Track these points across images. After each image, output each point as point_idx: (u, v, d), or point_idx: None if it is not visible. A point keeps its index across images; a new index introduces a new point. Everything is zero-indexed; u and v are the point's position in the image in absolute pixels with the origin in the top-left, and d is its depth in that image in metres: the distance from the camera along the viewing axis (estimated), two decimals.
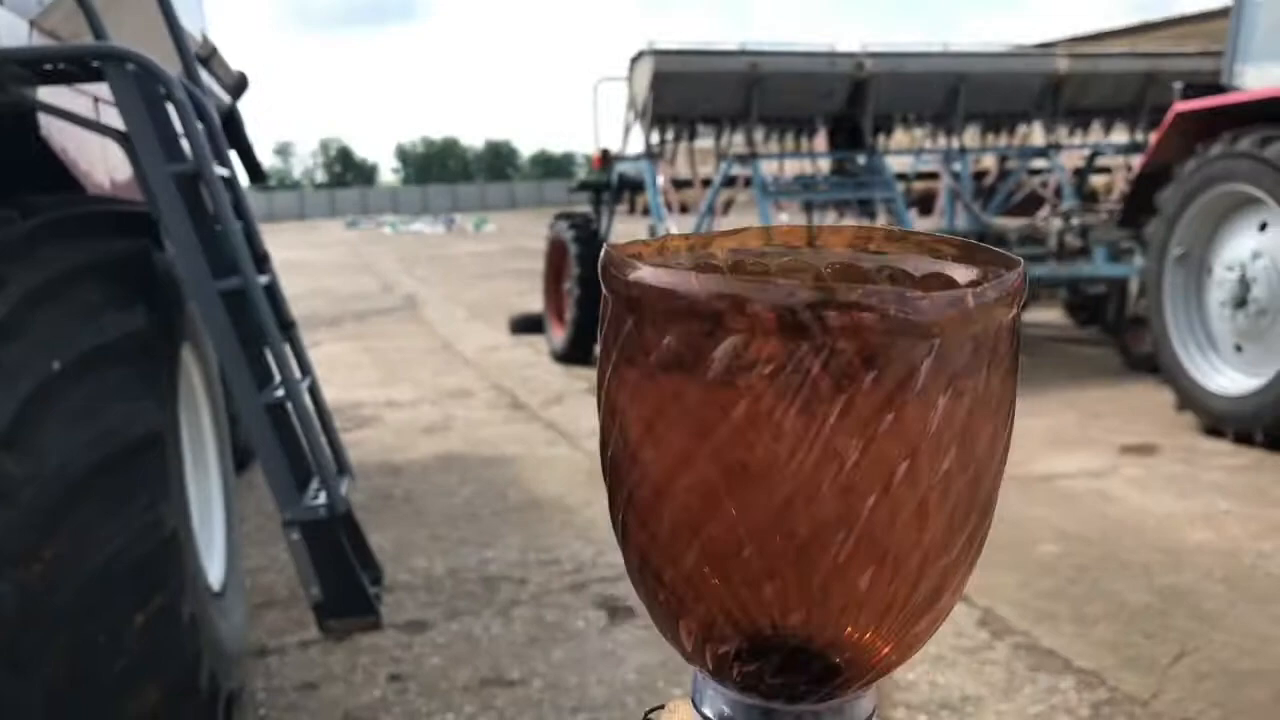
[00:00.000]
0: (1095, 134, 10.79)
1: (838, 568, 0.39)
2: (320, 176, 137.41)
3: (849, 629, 0.41)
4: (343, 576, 2.91)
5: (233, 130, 5.60)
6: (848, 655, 0.41)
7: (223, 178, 3.09)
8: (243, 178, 5.61)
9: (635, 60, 9.33)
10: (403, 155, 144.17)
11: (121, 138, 3.04)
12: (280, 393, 2.95)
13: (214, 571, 3.36)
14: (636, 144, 9.92)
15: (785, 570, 0.39)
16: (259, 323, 2.96)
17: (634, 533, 0.41)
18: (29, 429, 2.49)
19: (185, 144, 3.01)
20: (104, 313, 2.78)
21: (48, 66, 2.87)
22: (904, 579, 0.41)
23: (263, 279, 3.08)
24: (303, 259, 25.40)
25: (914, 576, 0.41)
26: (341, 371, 9.48)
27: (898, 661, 0.43)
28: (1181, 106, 6.57)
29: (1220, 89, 6.68)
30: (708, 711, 0.41)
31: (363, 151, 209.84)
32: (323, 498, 2.93)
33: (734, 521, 0.38)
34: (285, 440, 2.93)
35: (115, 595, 2.65)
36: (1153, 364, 7.02)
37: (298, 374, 3.10)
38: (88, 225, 3.01)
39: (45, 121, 3.06)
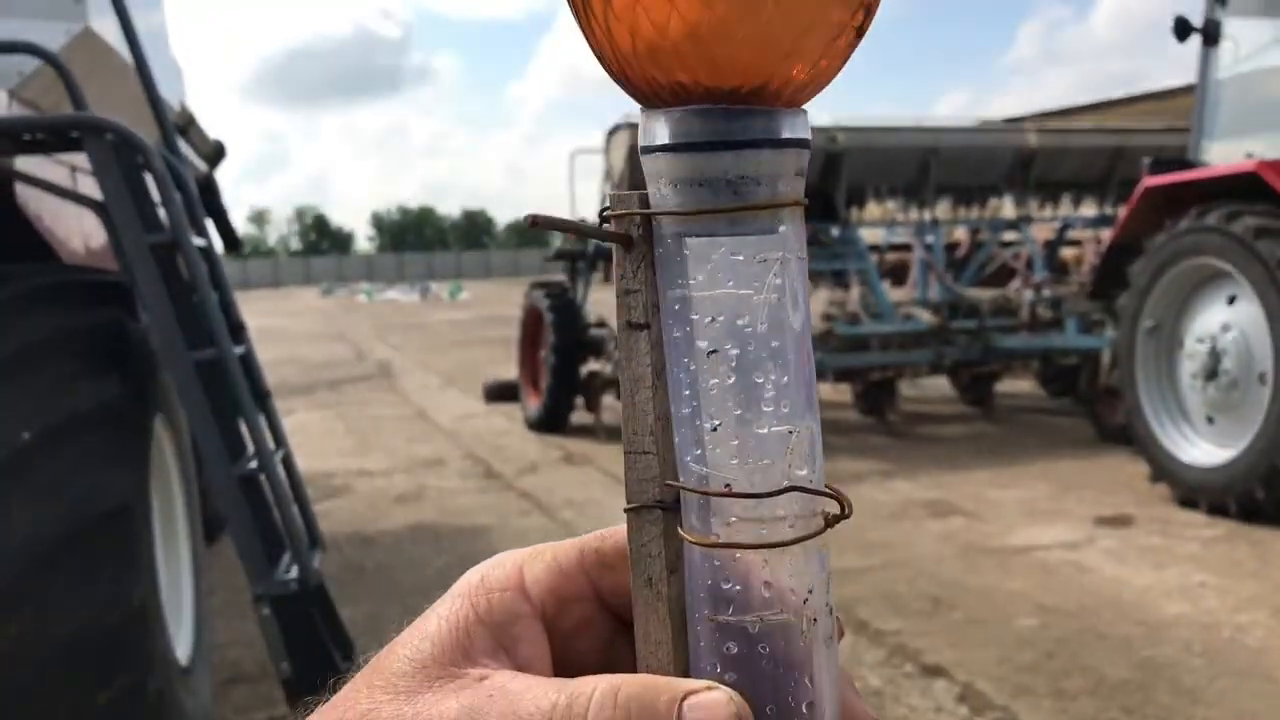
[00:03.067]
0: (1065, 207, 10.94)
1: None
2: (295, 244, 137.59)
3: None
4: (314, 652, 2.85)
5: (209, 198, 5.60)
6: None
7: (199, 248, 3.08)
8: (218, 246, 5.61)
9: (612, 133, 9.43)
10: (378, 223, 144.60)
11: (98, 207, 3.04)
12: (253, 464, 2.92)
13: (182, 646, 3.29)
14: None
15: None
16: (233, 393, 2.93)
17: None
18: None
19: (162, 213, 3.01)
20: (76, 383, 2.75)
21: (26, 136, 2.86)
22: None
23: (238, 349, 3.06)
24: (277, 326, 25.32)
25: None
26: (314, 439, 9.41)
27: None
28: (1150, 181, 6.67)
29: (1187, 164, 6.79)
30: (660, 139, 0.41)
31: (338, 219, 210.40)
32: (294, 571, 2.88)
33: None
34: (257, 513, 2.89)
35: (80, 672, 2.59)
36: (1126, 435, 7.05)
37: (271, 445, 3.07)
38: (62, 294, 2.98)
39: (21, 190, 3.05)
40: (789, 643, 0.41)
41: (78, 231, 3.58)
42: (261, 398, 3.19)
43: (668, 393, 0.42)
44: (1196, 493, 6.11)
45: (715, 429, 0.40)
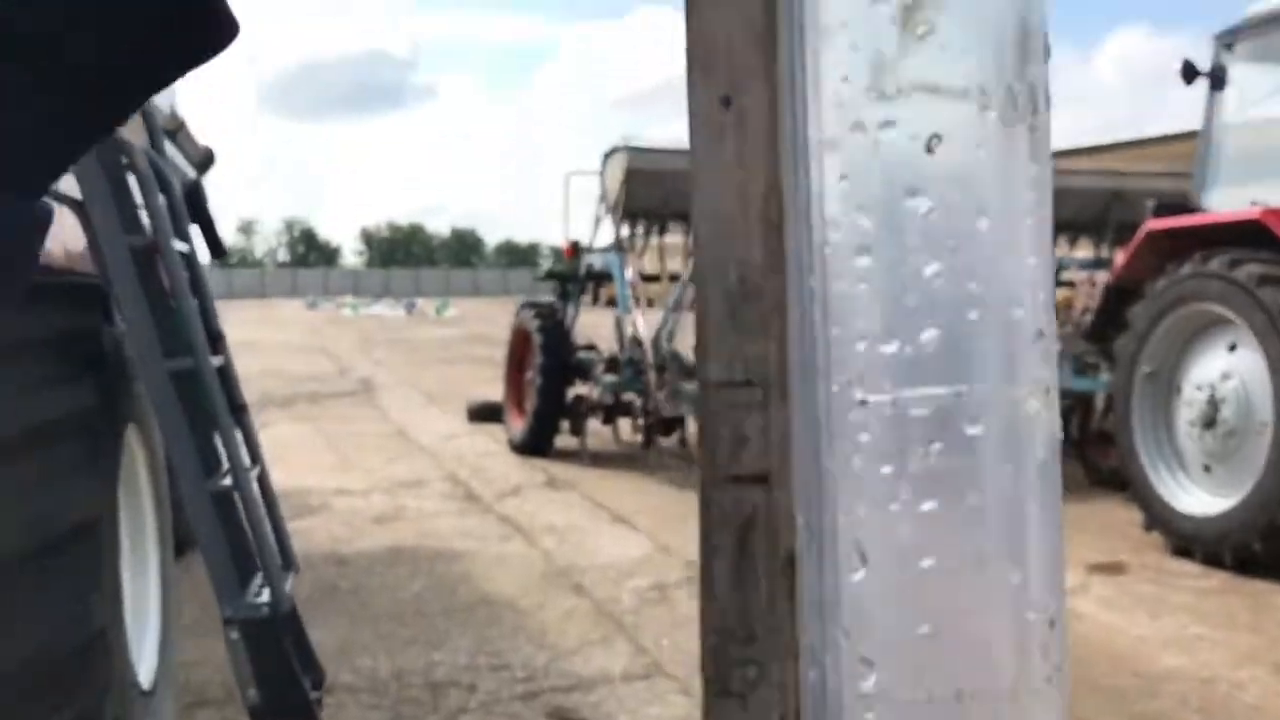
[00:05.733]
0: (1060, 248, 10.88)
1: None
2: (283, 255, 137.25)
3: None
4: (283, 680, 2.71)
5: (196, 204, 5.46)
6: None
7: (181, 253, 2.95)
8: (204, 254, 5.47)
9: (608, 155, 9.34)
10: (367, 239, 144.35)
11: (77, 206, 2.91)
12: (227, 481, 2.78)
13: (145, 667, 3.14)
14: (606, 236, 9.89)
15: None
16: (209, 405, 2.80)
17: None
18: None
19: (144, 216, 2.88)
20: (48, 389, 2.62)
21: None
22: None
23: (216, 360, 2.92)
24: (260, 338, 25.10)
25: None
26: (291, 455, 9.23)
27: None
28: (1153, 224, 6.61)
29: (1191, 209, 6.73)
30: None
31: (326, 233, 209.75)
32: (266, 595, 2.75)
33: None
34: (230, 531, 2.75)
35: (35, 694, 2.45)
36: (1118, 479, 6.96)
37: (247, 461, 2.94)
38: (36, 296, 2.84)
39: None
40: None
41: (54, 232, 3.44)
42: (238, 410, 3.05)
43: None
44: (1191, 542, 6.01)
45: None
